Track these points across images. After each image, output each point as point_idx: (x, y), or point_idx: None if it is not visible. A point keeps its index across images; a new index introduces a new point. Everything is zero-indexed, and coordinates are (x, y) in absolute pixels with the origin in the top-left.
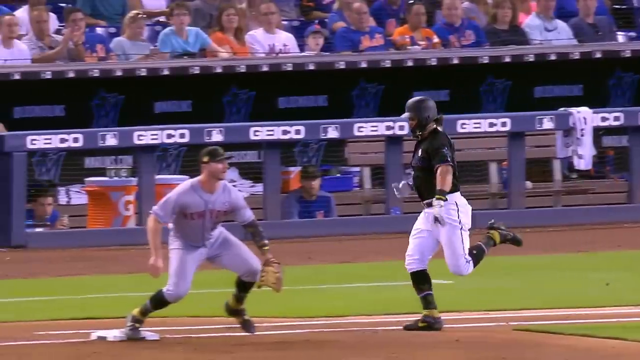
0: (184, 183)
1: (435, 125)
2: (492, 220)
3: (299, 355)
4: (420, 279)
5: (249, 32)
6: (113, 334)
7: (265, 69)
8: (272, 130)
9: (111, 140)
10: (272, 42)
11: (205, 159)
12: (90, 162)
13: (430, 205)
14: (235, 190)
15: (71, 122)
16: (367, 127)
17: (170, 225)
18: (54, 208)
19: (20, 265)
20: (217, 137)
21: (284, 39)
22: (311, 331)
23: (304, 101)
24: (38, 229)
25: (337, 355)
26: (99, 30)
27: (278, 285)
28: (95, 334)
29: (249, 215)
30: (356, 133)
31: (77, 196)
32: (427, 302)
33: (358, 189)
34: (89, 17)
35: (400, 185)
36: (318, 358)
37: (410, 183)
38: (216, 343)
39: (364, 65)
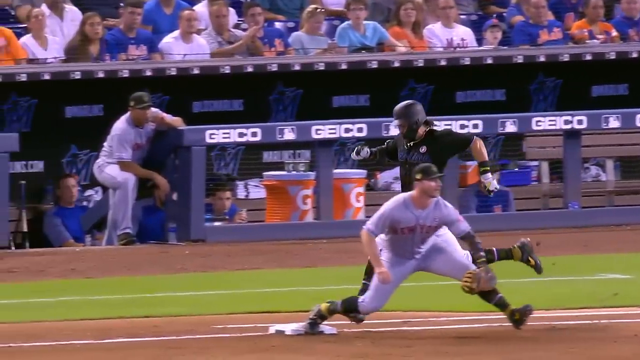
0: (397, 198)
1: (427, 127)
2: (527, 239)
3: (477, 349)
4: None
5: (426, 26)
6: (291, 328)
7: (443, 63)
8: (449, 125)
9: (289, 135)
10: (450, 36)
11: (418, 176)
12: (268, 156)
13: None
14: (448, 205)
15: (249, 117)
16: (545, 121)
17: (382, 237)
18: (232, 202)
19: (199, 259)
20: (394, 131)
21: (462, 33)
22: (489, 325)
23: (481, 95)
24: (217, 223)
25: (515, 349)
26: (277, 24)
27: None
28: (273, 328)
29: (463, 228)
30: (534, 127)
31: (256, 190)
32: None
33: (536, 183)
34: (268, 12)
35: (362, 151)
36: (495, 352)
37: (373, 150)
38: (394, 337)
39: (542, 59)
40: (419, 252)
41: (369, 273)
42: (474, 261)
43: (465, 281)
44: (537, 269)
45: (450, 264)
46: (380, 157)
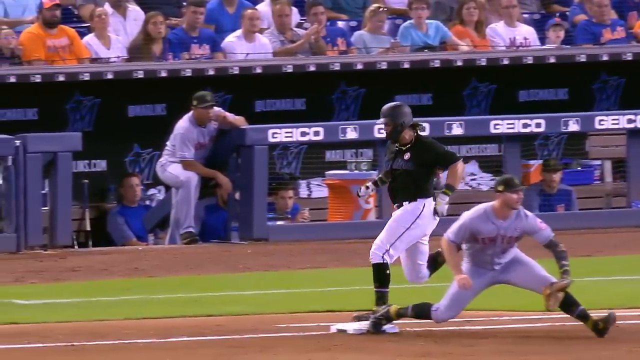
0: (478, 208)
1: (414, 132)
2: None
3: (540, 348)
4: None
5: (489, 25)
6: (353, 327)
7: (505, 62)
8: (512, 124)
9: (351, 134)
10: (512, 35)
11: (500, 188)
12: (330, 155)
13: (400, 206)
14: (530, 215)
15: (312, 116)
16: (608, 120)
17: (463, 247)
18: (294, 201)
19: (261, 258)
20: (457, 130)
21: (525, 32)
22: (551, 324)
23: (544, 94)
24: (279, 222)
25: (578, 349)
26: (340, 23)
27: (550, 306)
28: (335, 327)
29: (545, 236)
30: (597, 126)
31: (318, 189)
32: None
33: (599, 182)
34: (330, 11)
35: (362, 191)
36: (558, 351)
37: (374, 180)
38: (456, 336)
39: (605, 58)
40: (499, 264)
41: (381, 281)
42: (559, 269)
43: (546, 300)
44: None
45: (530, 276)
46: (385, 177)
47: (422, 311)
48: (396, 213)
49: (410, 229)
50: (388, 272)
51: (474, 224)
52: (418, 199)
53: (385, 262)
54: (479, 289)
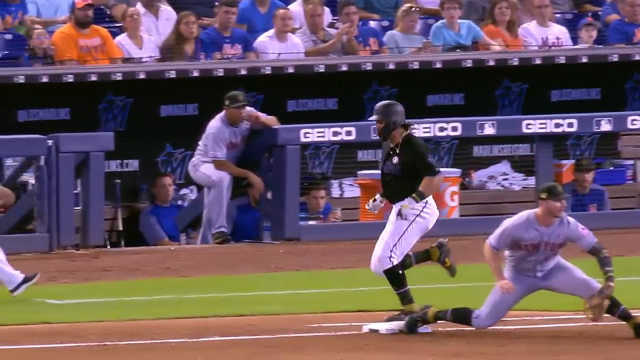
0: (521, 214)
1: (405, 132)
2: (446, 240)
3: (572, 348)
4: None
5: (521, 25)
6: (385, 327)
7: (538, 62)
8: (544, 123)
9: None
10: (545, 35)
11: (544, 195)
12: (362, 155)
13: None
14: (573, 222)
15: (344, 115)
16: None
17: (507, 253)
18: (326, 201)
19: (293, 258)
20: (489, 130)
21: (557, 32)
22: (583, 324)
23: (576, 94)
24: (311, 222)
25: (610, 349)
26: (372, 23)
27: (596, 318)
28: (367, 327)
29: (589, 242)
30: (629, 126)
31: (350, 189)
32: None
33: (631, 182)
34: (362, 11)
35: (371, 205)
36: (591, 351)
37: (379, 198)
38: (488, 336)
39: (637, 57)
40: (541, 271)
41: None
42: (603, 275)
43: (590, 314)
44: (451, 271)
45: (572, 281)
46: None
47: (461, 316)
48: (391, 218)
49: (414, 222)
50: (401, 272)
51: (516, 230)
52: None
53: (393, 264)
54: (520, 296)
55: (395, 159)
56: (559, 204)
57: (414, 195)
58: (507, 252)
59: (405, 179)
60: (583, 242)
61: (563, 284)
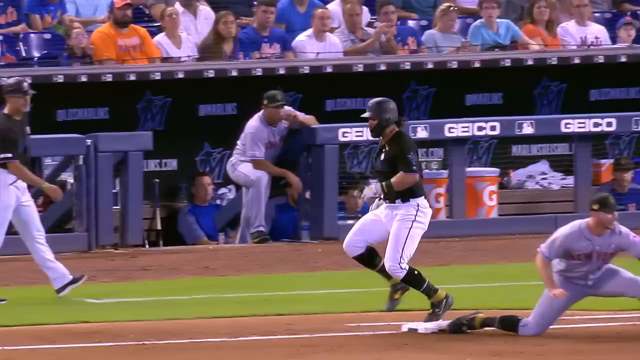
0: (573, 224)
1: (397, 129)
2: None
3: (611, 348)
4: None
5: (560, 24)
6: (424, 326)
7: (576, 61)
8: (583, 123)
9: (422, 133)
10: (583, 34)
11: (595, 206)
12: None
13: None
14: (624, 230)
15: None
16: None
17: (556, 262)
18: (365, 200)
19: (332, 257)
20: (527, 129)
21: (596, 31)
22: (622, 324)
23: (615, 93)
24: (349, 221)
25: None
26: (410, 23)
27: None
28: (406, 326)
29: None
30: None
31: None
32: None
33: None
34: (401, 10)
35: (374, 204)
36: (630, 351)
37: (377, 194)
38: (527, 336)
39: None
40: (592, 279)
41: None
42: None
43: None
44: (392, 302)
45: (623, 282)
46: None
47: (509, 325)
48: (394, 226)
49: (412, 228)
50: (416, 272)
51: (568, 241)
52: (410, 199)
53: (405, 270)
54: (569, 304)
55: (382, 156)
56: (610, 216)
57: (383, 183)
58: (558, 261)
59: (391, 174)
60: (635, 250)
61: (614, 289)
